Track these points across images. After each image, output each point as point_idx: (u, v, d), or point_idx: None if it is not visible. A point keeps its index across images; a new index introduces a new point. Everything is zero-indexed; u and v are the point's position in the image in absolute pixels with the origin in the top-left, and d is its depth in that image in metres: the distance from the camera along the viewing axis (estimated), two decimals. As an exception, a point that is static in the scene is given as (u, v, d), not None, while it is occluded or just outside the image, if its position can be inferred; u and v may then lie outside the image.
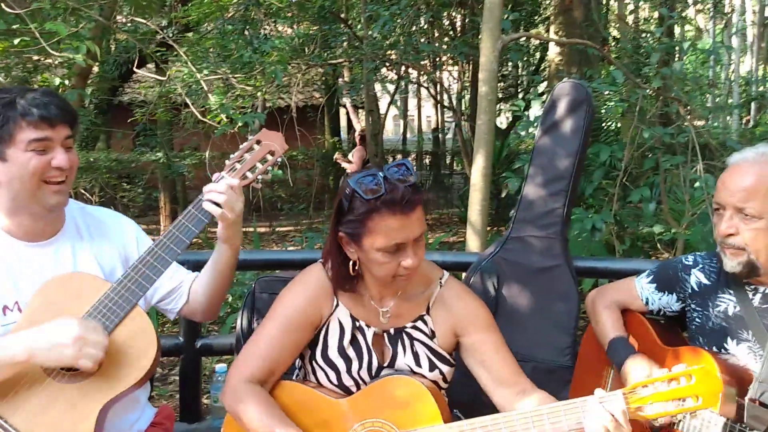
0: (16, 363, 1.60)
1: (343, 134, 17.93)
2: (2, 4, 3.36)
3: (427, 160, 18.67)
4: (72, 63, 5.33)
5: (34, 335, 1.60)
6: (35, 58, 5.17)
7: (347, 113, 18.31)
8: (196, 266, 2.09)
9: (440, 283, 1.92)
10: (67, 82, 4.13)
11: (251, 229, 8.61)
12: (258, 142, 1.89)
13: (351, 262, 1.81)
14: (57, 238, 1.84)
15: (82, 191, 9.01)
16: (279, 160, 1.90)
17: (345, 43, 10.24)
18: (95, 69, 7.88)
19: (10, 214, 1.76)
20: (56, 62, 5.50)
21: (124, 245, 1.95)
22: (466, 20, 10.56)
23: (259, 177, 1.87)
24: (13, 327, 1.69)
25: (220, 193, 1.77)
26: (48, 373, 1.67)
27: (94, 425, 1.65)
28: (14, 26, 3.49)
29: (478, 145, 3.73)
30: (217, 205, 1.77)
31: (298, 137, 11.54)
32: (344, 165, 9.65)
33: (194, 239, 1.82)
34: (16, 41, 3.55)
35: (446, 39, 10.73)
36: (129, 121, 10.42)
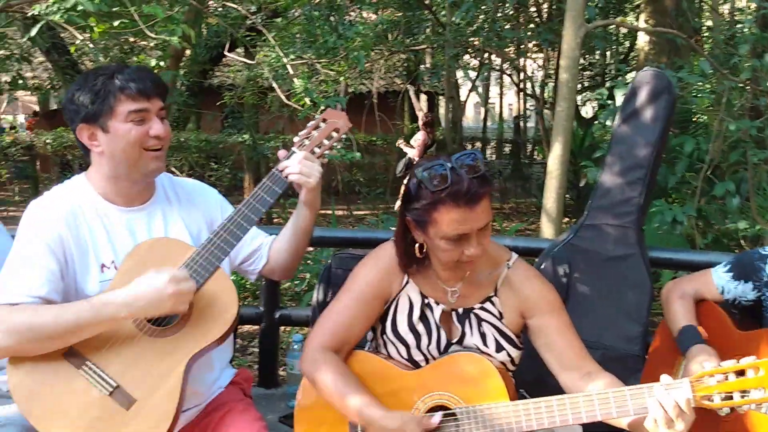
0: (118, 319, 1.74)
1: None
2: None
3: (507, 149, 18.47)
4: (167, 45, 5.59)
5: (133, 295, 1.73)
6: (132, 40, 5.46)
7: (426, 99, 18.32)
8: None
9: (508, 264, 1.95)
10: (162, 63, 4.35)
11: (329, 212, 8.78)
12: (324, 121, 2.02)
13: (418, 245, 1.87)
14: (150, 203, 1.98)
15: (173, 169, 9.41)
16: (343, 137, 2.03)
17: (428, 30, 10.25)
18: (187, 52, 8.21)
19: (109, 181, 1.91)
20: (151, 44, 5.79)
21: (209, 211, 2.08)
22: (553, 6, 10.38)
23: (326, 152, 2.01)
24: (109, 284, 1.83)
25: (297, 165, 1.92)
26: (140, 328, 1.80)
27: (181, 376, 1.77)
28: (114, 9, 3.70)
29: (557, 132, 3.72)
30: (297, 174, 1.91)
31: (378, 123, 11.66)
32: (406, 150, 9.64)
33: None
34: (115, 23, 3.76)
35: (531, 26, 10.58)
36: (218, 103, 10.83)
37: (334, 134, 2.01)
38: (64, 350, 1.77)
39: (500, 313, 1.93)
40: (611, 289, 2.76)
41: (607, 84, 12.31)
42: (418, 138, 9.70)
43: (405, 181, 1.85)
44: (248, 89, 9.95)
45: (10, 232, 2.13)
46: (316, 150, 1.98)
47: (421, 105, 12.27)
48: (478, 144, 17.79)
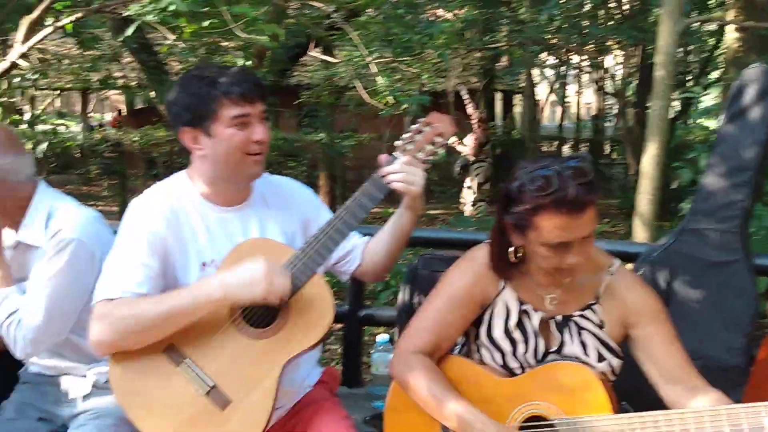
0: (213, 300, 1.74)
1: (498, 120, 17.72)
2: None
3: (584, 149, 18.06)
4: (250, 45, 5.68)
5: (228, 277, 1.74)
6: (217, 40, 5.57)
7: (502, 97, 18.09)
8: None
9: (610, 271, 1.87)
10: (249, 63, 4.41)
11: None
12: (428, 125, 1.95)
13: (513, 248, 1.80)
14: (246, 204, 1.98)
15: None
16: (447, 142, 1.97)
17: (506, 28, 10.09)
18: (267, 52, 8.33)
19: (210, 182, 1.92)
20: (232, 45, 5.89)
21: (304, 213, 2.07)
22: (635, 2, 10.05)
23: (428, 158, 1.94)
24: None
25: (398, 172, 1.87)
26: (238, 329, 1.81)
27: (277, 380, 1.77)
28: (205, 9, 3.76)
29: (651, 132, 3.56)
30: (400, 182, 1.87)
31: (453, 122, 11.54)
32: (459, 149, 9.42)
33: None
34: (205, 23, 3.82)
35: (611, 23, 10.27)
36: (295, 102, 10.98)
37: (438, 139, 1.94)
38: (164, 347, 1.79)
39: (601, 322, 1.85)
40: (713, 297, 2.62)
41: (690, 82, 11.85)
42: (471, 136, 9.44)
43: (507, 183, 1.78)
44: (325, 88, 10.03)
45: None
46: (419, 155, 1.92)
47: (478, 103, 11.92)
48: (555, 144, 17.45)
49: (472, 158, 9.14)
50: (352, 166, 13.27)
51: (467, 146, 9.25)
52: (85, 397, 2.10)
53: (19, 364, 2.21)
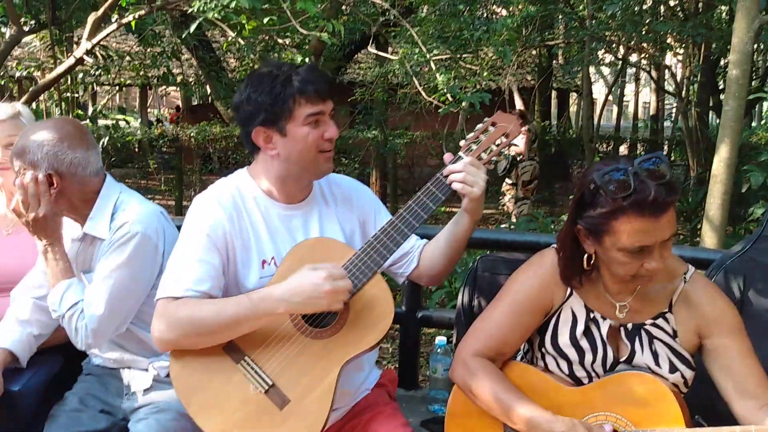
0: (275, 314, 1.73)
1: (553, 119, 17.45)
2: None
3: (641, 149, 17.63)
4: (307, 42, 5.70)
5: (290, 291, 1.71)
6: (274, 37, 5.60)
7: (557, 96, 17.80)
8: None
9: (684, 278, 1.78)
10: (307, 60, 4.42)
11: (456, 210, 8.66)
12: (493, 124, 1.90)
13: (586, 255, 1.73)
14: (307, 202, 1.97)
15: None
16: (512, 142, 1.91)
17: (563, 25, 9.91)
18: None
19: (276, 180, 1.91)
20: (291, 42, 5.92)
21: (363, 212, 2.05)
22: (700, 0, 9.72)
23: (493, 159, 1.89)
24: (270, 281, 1.83)
25: (460, 172, 1.81)
26: (298, 328, 1.80)
27: (335, 380, 1.75)
28: (265, 5, 3.79)
29: (723, 133, 3.41)
30: (461, 182, 1.81)
31: (519, 122, 11.37)
32: (511, 150, 9.19)
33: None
34: (265, 20, 3.85)
35: (673, 20, 9.96)
36: (349, 99, 11.01)
37: (503, 139, 1.88)
38: (224, 344, 1.79)
39: (674, 331, 1.77)
40: (792, 309, 2.48)
41: (754, 82, 11.41)
42: (523, 135, 9.19)
43: (578, 186, 1.71)
44: (379, 86, 10.04)
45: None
46: (483, 155, 1.87)
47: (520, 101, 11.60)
48: (611, 144, 17.07)
49: (523, 155, 8.97)
50: (404, 164, 13.27)
51: (519, 144, 9.07)
52: (146, 390, 2.13)
53: (83, 355, 2.24)
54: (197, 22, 3.58)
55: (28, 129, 2.09)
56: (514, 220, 9.04)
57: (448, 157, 1.88)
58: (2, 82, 7.30)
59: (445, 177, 1.84)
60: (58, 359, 2.25)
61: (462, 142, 1.91)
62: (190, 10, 3.71)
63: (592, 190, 1.63)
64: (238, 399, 1.76)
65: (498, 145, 1.88)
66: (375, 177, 11.88)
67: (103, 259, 2.03)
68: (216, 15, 3.33)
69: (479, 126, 1.92)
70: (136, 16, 4.25)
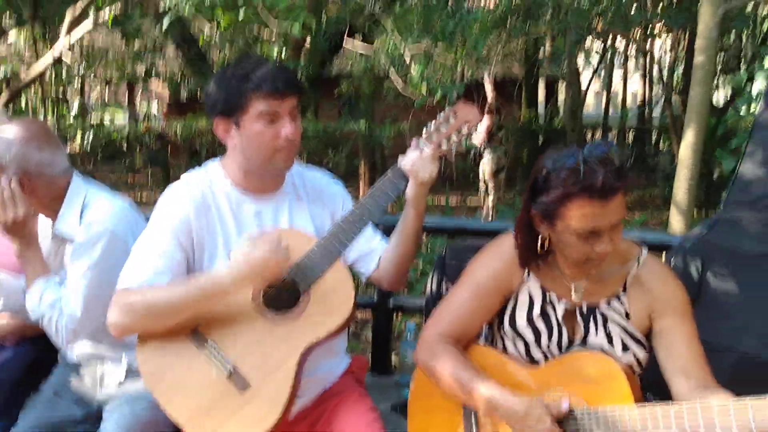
0: (224, 289, 1.77)
1: (541, 108, 17.48)
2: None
3: (630, 137, 17.69)
4: (286, 35, 5.71)
5: (235, 263, 1.77)
6: (255, 31, 5.61)
7: (545, 86, 17.82)
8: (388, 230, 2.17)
9: (638, 260, 1.83)
10: (283, 51, 4.44)
11: (443, 200, 8.72)
12: (455, 114, 1.95)
13: (540, 239, 1.78)
14: (278, 194, 2.00)
15: (292, 156, 9.64)
16: (472, 132, 1.97)
17: (548, 14, 9.92)
18: (307, 43, 8.37)
19: (241, 171, 1.95)
20: (273, 36, 5.93)
21: (334, 205, 2.08)
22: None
23: (453, 147, 1.94)
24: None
25: (413, 156, 1.88)
26: (260, 313, 1.84)
27: (296, 365, 1.79)
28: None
29: (690, 118, 3.47)
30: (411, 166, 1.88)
31: (480, 111, 11.41)
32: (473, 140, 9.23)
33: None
34: (240, 15, 3.86)
35: (659, 7, 10.00)
36: (335, 92, 11.04)
37: (464, 129, 1.95)
38: (188, 330, 1.83)
39: (627, 313, 1.82)
40: (751, 290, 2.53)
41: (742, 69, 11.46)
42: (483, 124, 9.21)
43: (532, 172, 1.76)
44: (365, 78, 10.06)
45: (146, 214, 2.23)
46: (443, 146, 1.93)
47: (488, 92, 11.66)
48: (599, 132, 17.14)
49: (480, 145, 9.00)
50: (392, 155, 13.29)
51: (479, 134, 9.07)
52: (121, 382, 2.16)
53: (57, 347, 2.28)
54: (168, 18, 3.59)
55: None
56: (484, 211, 9.13)
57: (414, 142, 1.93)
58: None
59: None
60: (33, 350, 2.29)
61: (424, 131, 1.95)
62: (163, 5, 3.72)
63: (544, 176, 1.68)
64: (201, 383, 1.80)
65: (458, 134, 1.94)
66: (363, 169, 11.91)
67: (76, 258, 2.06)
68: (188, 10, 3.35)
69: (440, 115, 1.97)
70: (111, 11, 4.26)
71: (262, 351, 1.81)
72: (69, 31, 4.21)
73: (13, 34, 6.47)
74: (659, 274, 1.83)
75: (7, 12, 6.38)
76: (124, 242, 2.07)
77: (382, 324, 2.90)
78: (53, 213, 2.13)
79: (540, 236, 1.78)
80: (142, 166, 12.46)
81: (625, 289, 1.83)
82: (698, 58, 3.44)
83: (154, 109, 22.46)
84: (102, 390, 2.18)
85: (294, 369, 1.79)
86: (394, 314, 3.01)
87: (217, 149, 11.89)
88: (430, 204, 9.39)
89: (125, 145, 12.38)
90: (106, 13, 4.28)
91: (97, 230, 2.05)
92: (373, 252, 2.08)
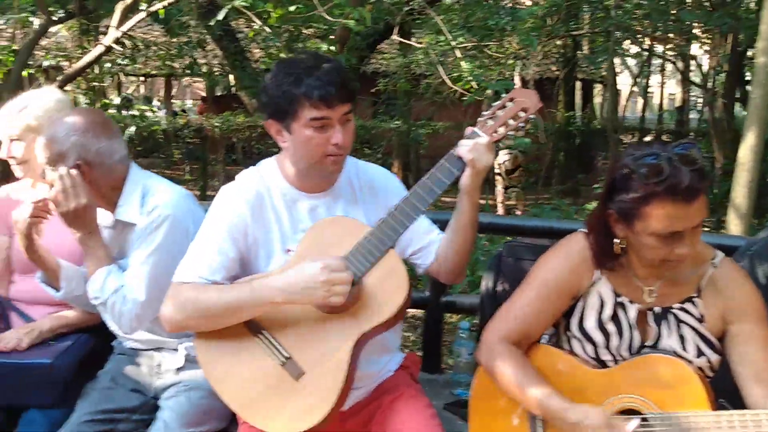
0: (273, 303, 1.76)
1: (578, 109, 17.29)
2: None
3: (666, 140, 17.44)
4: (330, 32, 5.71)
5: (288, 282, 1.73)
6: (300, 26, 5.61)
7: (581, 87, 17.64)
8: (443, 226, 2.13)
9: (713, 263, 1.78)
10: (333, 48, 4.43)
11: (482, 201, 8.67)
12: (511, 100, 1.88)
13: (616, 240, 1.73)
14: (333, 190, 1.97)
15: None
16: (531, 117, 1.89)
17: (588, 15, 9.81)
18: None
19: (294, 171, 1.93)
20: (317, 31, 5.94)
21: (388, 198, 2.03)
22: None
23: (510, 133, 1.88)
24: (286, 264, 1.85)
25: (471, 146, 1.82)
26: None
27: (349, 356, 1.77)
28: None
29: (750, 120, 3.38)
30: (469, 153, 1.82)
31: (542, 110, 11.33)
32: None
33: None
34: (291, 8, 3.86)
35: (700, 11, 9.82)
36: (372, 90, 11.03)
37: (521, 114, 1.87)
38: None
39: (701, 316, 1.77)
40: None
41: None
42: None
43: (610, 170, 1.70)
44: (402, 76, 10.03)
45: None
46: (500, 130, 1.86)
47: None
48: (636, 134, 16.91)
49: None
50: (427, 154, 13.24)
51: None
52: (178, 369, 2.17)
53: (113, 335, 2.30)
54: (224, 9, 3.60)
55: (54, 121, 2.12)
56: (500, 210, 9.07)
57: (468, 130, 1.88)
58: (30, 72, 7.41)
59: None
60: (90, 339, 2.31)
61: (479, 118, 1.90)
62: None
63: (625, 175, 1.63)
64: (256, 371, 1.80)
65: (515, 120, 1.87)
66: (397, 167, 11.88)
67: (138, 244, 2.08)
68: (243, 3, 3.36)
69: (497, 102, 1.92)
70: (165, 5, 4.29)
71: (316, 340, 1.80)
72: (120, 23, 4.27)
73: (57, 27, 6.58)
74: (735, 278, 1.78)
75: (55, 6, 6.48)
76: (185, 227, 2.08)
77: (433, 322, 2.87)
78: (111, 202, 2.15)
79: (615, 237, 1.73)
80: (179, 159, 12.59)
81: (699, 292, 1.78)
82: (760, 60, 3.36)
83: (189, 103, 22.73)
84: (159, 378, 2.20)
85: (348, 358, 1.77)
86: (446, 312, 2.97)
87: (252, 145, 11.99)
88: (444, 202, 9.32)
89: (163, 139, 12.54)
90: (157, 6, 4.32)
91: (159, 215, 2.07)
92: (431, 244, 2.05)
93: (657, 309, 1.79)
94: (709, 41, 12.11)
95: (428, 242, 2.05)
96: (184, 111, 17.99)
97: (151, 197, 2.12)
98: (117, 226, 2.17)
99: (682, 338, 1.76)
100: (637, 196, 1.60)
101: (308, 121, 1.79)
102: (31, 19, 6.44)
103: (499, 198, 9.12)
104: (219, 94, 18.17)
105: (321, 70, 1.81)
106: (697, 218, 1.60)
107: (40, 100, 2.38)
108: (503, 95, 1.94)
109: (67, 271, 2.17)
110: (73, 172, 2.03)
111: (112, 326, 2.21)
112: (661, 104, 21.00)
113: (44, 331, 2.24)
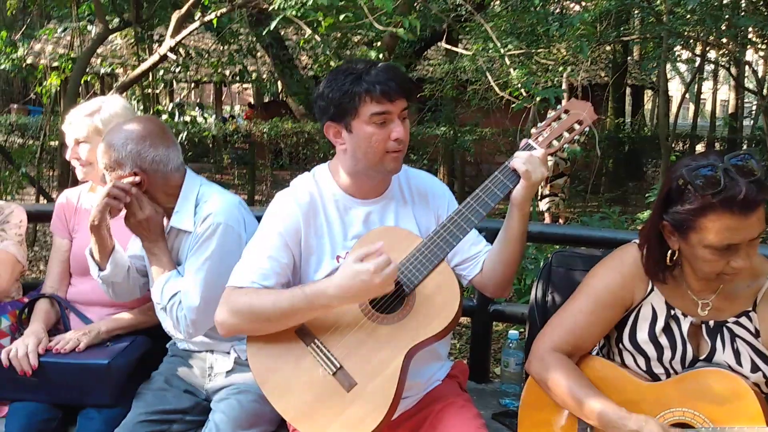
0: (328, 306, 1.77)
1: (627, 116, 16.99)
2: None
3: (719, 149, 17.00)
4: (378, 39, 5.75)
5: (341, 284, 1.72)
6: (348, 34, 5.67)
7: (631, 92, 17.34)
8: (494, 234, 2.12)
9: None
10: (381, 56, 4.47)
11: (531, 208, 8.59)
12: (566, 112, 1.89)
13: (670, 252, 1.71)
14: (384, 197, 2.00)
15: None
16: (587, 129, 1.88)
17: (639, 20, 9.64)
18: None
19: (350, 175, 1.95)
20: (365, 38, 5.98)
21: (439, 207, 2.06)
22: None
23: (566, 146, 1.88)
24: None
25: (526, 158, 1.81)
26: (365, 313, 1.84)
27: (401, 366, 1.78)
28: (341, 2, 3.85)
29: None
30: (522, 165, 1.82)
31: (598, 121, 11.17)
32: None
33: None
34: (341, 17, 3.91)
35: (754, 14, 9.54)
36: (418, 96, 11.04)
37: (576, 126, 1.87)
38: (296, 328, 1.85)
39: (757, 330, 1.73)
40: None
41: None
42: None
43: (665, 181, 1.68)
44: (448, 82, 10.01)
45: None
46: (555, 142, 1.87)
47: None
48: (687, 142, 16.54)
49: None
50: (472, 161, 13.19)
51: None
52: (228, 372, 2.22)
53: (168, 337, 2.36)
54: (278, 19, 3.67)
55: (113, 128, 2.19)
56: (547, 219, 8.92)
57: (523, 142, 1.89)
58: (87, 79, 7.64)
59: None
60: (146, 340, 2.37)
61: (533, 130, 1.90)
62: (269, 8, 3.81)
63: (680, 186, 1.61)
64: (308, 381, 1.82)
65: (570, 132, 1.87)
66: (443, 174, 11.87)
67: (193, 251, 2.13)
68: (294, 12, 3.42)
69: (552, 113, 1.92)
70: (218, 14, 4.39)
71: (367, 351, 1.81)
72: (175, 32, 4.39)
73: (113, 35, 6.78)
74: None
75: (111, 14, 6.68)
76: (238, 234, 2.13)
77: (481, 331, 2.86)
78: (167, 209, 2.20)
79: (669, 248, 1.71)
80: (228, 165, 12.80)
81: (755, 306, 1.74)
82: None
83: (238, 109, 23.08)
84: (210, 380, 2.24)
85: (399, 370, 1.78)
86: (494, 321, 2.95)
87: (299, 150, 12.13)
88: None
89: (213, 144, 12.77)
90: (211, 16, 4.43)
91: (213, 222, 2.11)
92: (478, 256, 2.05)
93: (711, 323, 1.76)
94: (764, 47, 11.78)
95: (475, 253, 2.05)
96: (233, 117, 18.31)
97: (204, 204, 2.17)
98: (171, 233, 2.23)
99: (737, 353, 1.73)
100: (692, 208, 1.58)
101: (369, 117, 1.82)
102: (89, 27, 6.65)
103: (543, 206, 9.00)
104: (267, 100, 18.44)
105: (378, 68, 1.86)
106: (755, 230, 1.57)
107: (109, 105, 2.46)
108: (559, 105, 1.93)
109: (119, 256, 2.23)
110: (135, 180, 2.09)
111: (171, 330, 2.27)
112: (713, 111, 20.49)
113: (102, 332, 2.31)
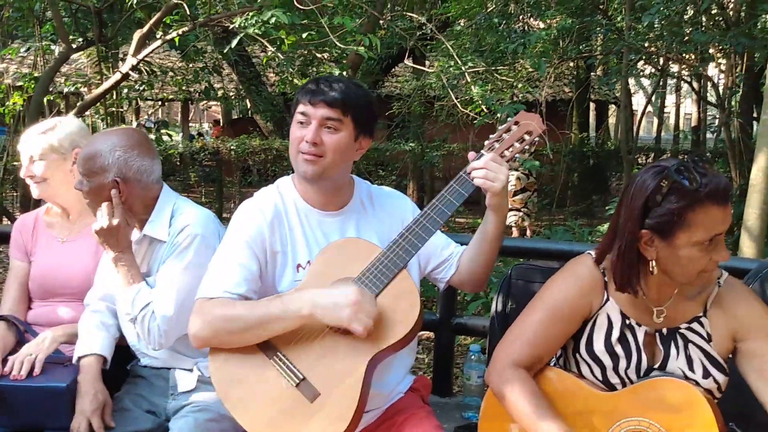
0: (301, 316, 1.79)
1: (592, 131, 17.26)
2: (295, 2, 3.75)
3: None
4: (343, 56, 5.80)
5: (319, 295, 1.78)
6: (313, 51, 5.70)
7: (595, 108, 17.62)
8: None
9: (719, 282, 1.79)
10: (345, 73, 4.50)
11: (472, 219, 8.68)
12: (516, 123, 1.95)
13: (651, 262, 1.71)
14: (346, 209, 2.03)
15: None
16: (536, 139, 1.95)
17: (601, 36, 9.84)
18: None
19: (309, 185, 1.98)
20: (330, 56, 6.01)
21: (402, 221, 2.07)
22: (742, 8, 9.56)
23: (516, 156, 1.93)
24: (300, 284, 1.90)
25: (481, 168, 1.86)
26: (326, 325, 1.84)
27: (363, 374, 1.79)
28: (303, 21, 3.88)
29: (761, 142, 3.38)
30: (482, 178, 1.86)
31: (546, 132, 11.34)
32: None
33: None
34: (304, 35, 3.94)
35: (715, 30, 9.80)
36: (386, 113, 11.11)
37: (526, 137, 1.93)
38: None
39: (708, 335, 1.78)
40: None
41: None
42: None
43: (638, 190, 1.68)
44: (416, 99, 10.11)
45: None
46: (506, 153, 1.92)
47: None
48: (652, 155, 16.83)
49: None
50: (441, 176, 13.28)
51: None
52: (191, 390, 2.20)
53: (129, 359, 2.33)
54: (238, 37, 3.68)
55: (97, 136, 2.22)
56: (515, 233, 9.04)
57: (471, 155, 1.93)
58: (51, 98, 7.56)
59: (468, 174, 1.89)
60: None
61: (486, 141, 1.95)
62: (231, 26, 3.82)
63: (663, 188, 1.63)
64: (272, 393, 1.81)
65: (521, 142, 1.93)
66: (412, 189, 11.93)
67: (168, 261, 2.14)
68: (256, 30, 3.44)
69: (502, 126, 1.98)
70: (180, 33, 4.39)
71: (330, 361, 1.82)
72: (137, 51, 4.37)
73: (77, 54, 6.73)
74: (743, 296, 1.79)
75: (74, 34, 6.63)
76: (213, 246, 2.13)
77: (443, 344, 2.87)
78: (142, 218, 2.21)
79: (646, 259, 1.72)
80: (196, 182, 12.71)
81: (705, 312, 1.78)
82: (770, 81, 3.36)
83: (206, 127, 22.96)
84: (173, 399, 2.22)
85: (362, 378, 1.79)
86: (456, 334, 2.97)
87: (268, 167, 12.10)
88: (458, 223, 9.31)
89: (179, 162, 12.67)
90: (172, 34, 4.43)
91: (191, 233, 2.13)
92: (451, 257, 2.12)
93: (664, 330, 1.79)
94: (724, 61, 12.07)
95: (448, 256, 2.12)
96: (200, 134, 18.21)
97: (180, 216, 2.19)
98: (144, 242, 2.23)
99: (689, 359, 1.77)
100: (680, 206, 1.62)
101: (295, 116, 1.92)
102: (52, 47, 6.59)
103: (507, 221, 9.14)
104: (234, 117, 18.40)
105: (325, 77, 1.95)
106: (729, 220, 1.65)
107: (64, 125, 2.49)
108: (509, 118, 1.99)
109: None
110: (110, 188, 2.11)
111: (134, 342, 2.25)
112: (677, 124, 20.94)
113: (57, 336, 2.27)
